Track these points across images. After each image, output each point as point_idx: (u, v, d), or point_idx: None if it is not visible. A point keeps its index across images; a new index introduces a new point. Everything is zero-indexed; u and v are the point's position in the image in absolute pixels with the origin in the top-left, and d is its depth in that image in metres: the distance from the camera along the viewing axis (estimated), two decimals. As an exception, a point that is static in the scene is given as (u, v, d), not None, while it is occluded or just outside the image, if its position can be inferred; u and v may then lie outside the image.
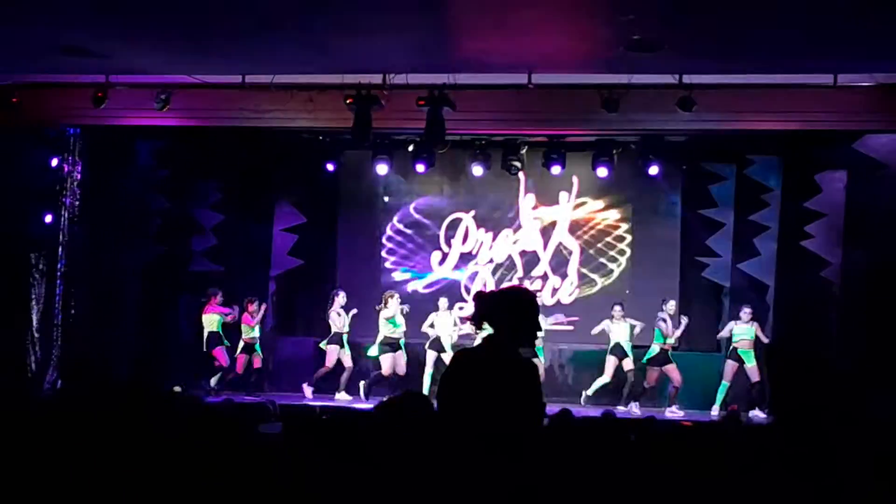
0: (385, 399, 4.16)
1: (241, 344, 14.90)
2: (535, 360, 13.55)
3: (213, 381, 14.66)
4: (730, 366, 14.15)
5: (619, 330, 14.48)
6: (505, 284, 15.21)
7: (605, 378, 14.53)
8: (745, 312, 14.15)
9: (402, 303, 14.77)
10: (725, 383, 14.19)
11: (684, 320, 14.37)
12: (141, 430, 1.46)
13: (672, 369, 14.25)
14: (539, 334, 4.74)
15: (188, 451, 1.42)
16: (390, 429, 3.87)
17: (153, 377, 14.41)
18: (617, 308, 14.57)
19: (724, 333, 14.44)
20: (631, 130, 13.78)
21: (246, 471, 1.40)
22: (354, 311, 14.81)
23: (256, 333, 15.01)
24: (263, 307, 15.09)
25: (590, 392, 14.55)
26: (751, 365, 14.07)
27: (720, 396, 14.12)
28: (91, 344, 14.24)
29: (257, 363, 15.05)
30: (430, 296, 15.66)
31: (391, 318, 14.62)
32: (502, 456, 3.84)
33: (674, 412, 14.00)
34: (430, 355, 14.64)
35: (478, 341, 4.84)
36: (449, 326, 14.72)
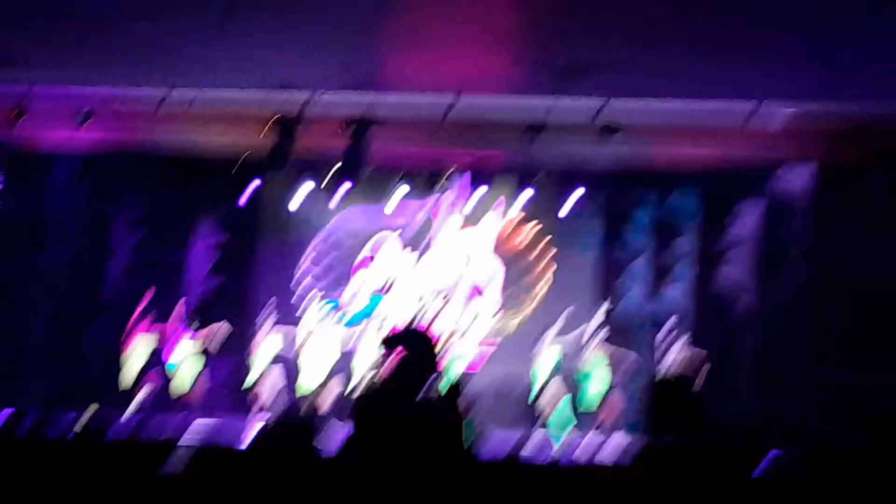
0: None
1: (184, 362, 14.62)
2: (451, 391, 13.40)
3: (133, 405, 14.29)
4: None
5: (552, 352, 14.50)
6: (426, 309, 15.22)
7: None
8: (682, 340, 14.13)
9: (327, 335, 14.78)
10: None
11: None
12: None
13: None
14: (435, 377, 4.90)
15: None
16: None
17: (69, 401, 14.10)
18: (552, 330, 14.59)
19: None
20: (554, 156, 13.89)
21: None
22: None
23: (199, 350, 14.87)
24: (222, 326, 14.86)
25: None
26: None
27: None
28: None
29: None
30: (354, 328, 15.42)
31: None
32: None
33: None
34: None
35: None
36: (368, 359, 14.51)
